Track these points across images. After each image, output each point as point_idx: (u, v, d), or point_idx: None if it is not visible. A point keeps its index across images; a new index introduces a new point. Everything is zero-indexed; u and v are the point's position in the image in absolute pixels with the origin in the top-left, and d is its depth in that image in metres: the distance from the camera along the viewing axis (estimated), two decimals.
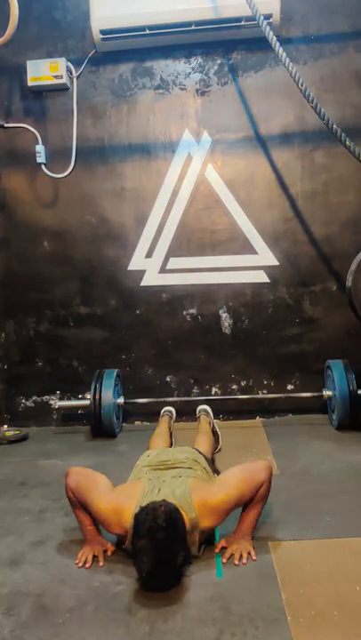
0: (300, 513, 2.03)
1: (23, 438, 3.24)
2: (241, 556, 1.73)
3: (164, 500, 1.64)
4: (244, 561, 1.71)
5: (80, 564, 1.75)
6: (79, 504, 1.84)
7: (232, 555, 1.74)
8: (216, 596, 1.53)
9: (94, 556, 1.78)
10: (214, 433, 2.78)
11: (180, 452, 2.18)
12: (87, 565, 1.74)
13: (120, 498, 1.79)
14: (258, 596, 1.52)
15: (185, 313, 3.45)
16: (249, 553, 1.74)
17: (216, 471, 2.27)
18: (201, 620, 1.43)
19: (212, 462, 2.37)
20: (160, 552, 1.52)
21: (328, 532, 1.88)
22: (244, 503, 1.80)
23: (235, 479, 1.80)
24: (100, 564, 1.75)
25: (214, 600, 1.51)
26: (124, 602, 1.53)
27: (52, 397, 3.53)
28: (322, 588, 1.54)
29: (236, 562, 1.71)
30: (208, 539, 1.82)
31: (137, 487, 1.85)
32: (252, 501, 1.79)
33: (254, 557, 1.72)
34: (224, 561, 1.72)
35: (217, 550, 1.79)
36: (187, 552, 1.65)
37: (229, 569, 1.67)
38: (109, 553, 1.81)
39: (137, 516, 1.59)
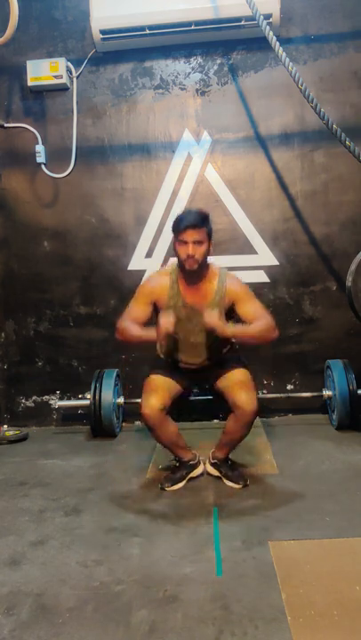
0: (300, 513, 2.03)
1: (23, 438, 3.24)
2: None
3: None
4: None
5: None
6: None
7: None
8: (216, 596, 1.53)
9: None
10: None
11: None
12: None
13: None
14: (258, 595, 1.52)
15: None
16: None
17: None
18: (201, 620, 1.43)
19: None
20: (196, 212, 2.24)
21: (328, 531, 1.88)
22: (249, 320, 2.23)
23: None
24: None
25: (214, 599, 1.51)
26: (123, 602, 1.53)
27: (52, 397, 3.53)
28: (322, 588, 1.54)
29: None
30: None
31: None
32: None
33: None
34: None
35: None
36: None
37: (230, 568, 1.67)
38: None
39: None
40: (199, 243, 2.21)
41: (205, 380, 2.43)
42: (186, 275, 2.30)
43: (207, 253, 2.28)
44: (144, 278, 3.40)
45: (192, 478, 2.42)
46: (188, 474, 2.42)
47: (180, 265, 2.28)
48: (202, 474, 2.47)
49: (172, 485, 2.35)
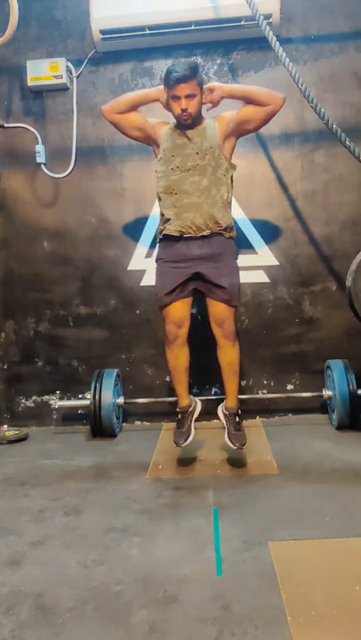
0: (300, 513, 2.03)
1: (23, 438, 3.24)
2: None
3: None
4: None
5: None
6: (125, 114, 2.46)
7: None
8: (216, 596, 1.53)
9: None
10: None
11: None
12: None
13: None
14: (258, 595, 1.52)
15: None
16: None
17: None
18: (201, 620, 1.43)
19: None
20: (185, 62, 2.24)
21: (328, 531, 1.88)
22: (250, 100, 2.37)
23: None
24: None
25: (214, 599, 1.51)
26: (123, 602, 1.53)
27: (52, 397, 3.53)
28: (322, 587, 1.54)
29: None
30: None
31: None
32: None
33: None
34: None
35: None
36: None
37: (229, 568, 1.67)
38: None
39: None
40: (191, 96, 2.27)
41: (203, 272, 2.46)
42: (181, 127, 2.42)
43: (200, 105, 2.35)
44: (144, 279, 3.42)
45: (193, 475, 2.42)
46: (192, 421, 2.55)
47: (177, 122, 2.41)
48: (200, 411, 2.67)
49: (185, 441, 2.46)
